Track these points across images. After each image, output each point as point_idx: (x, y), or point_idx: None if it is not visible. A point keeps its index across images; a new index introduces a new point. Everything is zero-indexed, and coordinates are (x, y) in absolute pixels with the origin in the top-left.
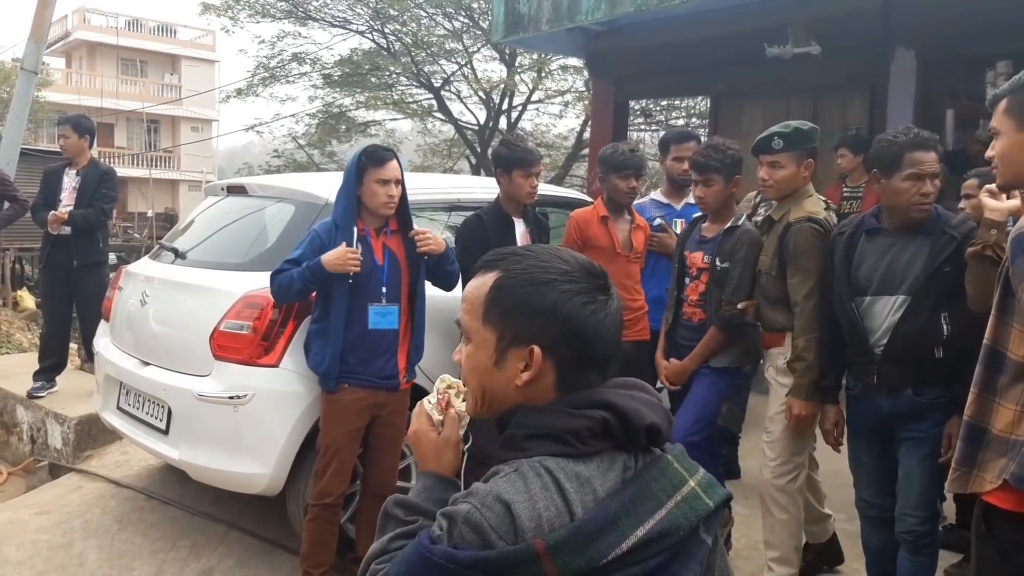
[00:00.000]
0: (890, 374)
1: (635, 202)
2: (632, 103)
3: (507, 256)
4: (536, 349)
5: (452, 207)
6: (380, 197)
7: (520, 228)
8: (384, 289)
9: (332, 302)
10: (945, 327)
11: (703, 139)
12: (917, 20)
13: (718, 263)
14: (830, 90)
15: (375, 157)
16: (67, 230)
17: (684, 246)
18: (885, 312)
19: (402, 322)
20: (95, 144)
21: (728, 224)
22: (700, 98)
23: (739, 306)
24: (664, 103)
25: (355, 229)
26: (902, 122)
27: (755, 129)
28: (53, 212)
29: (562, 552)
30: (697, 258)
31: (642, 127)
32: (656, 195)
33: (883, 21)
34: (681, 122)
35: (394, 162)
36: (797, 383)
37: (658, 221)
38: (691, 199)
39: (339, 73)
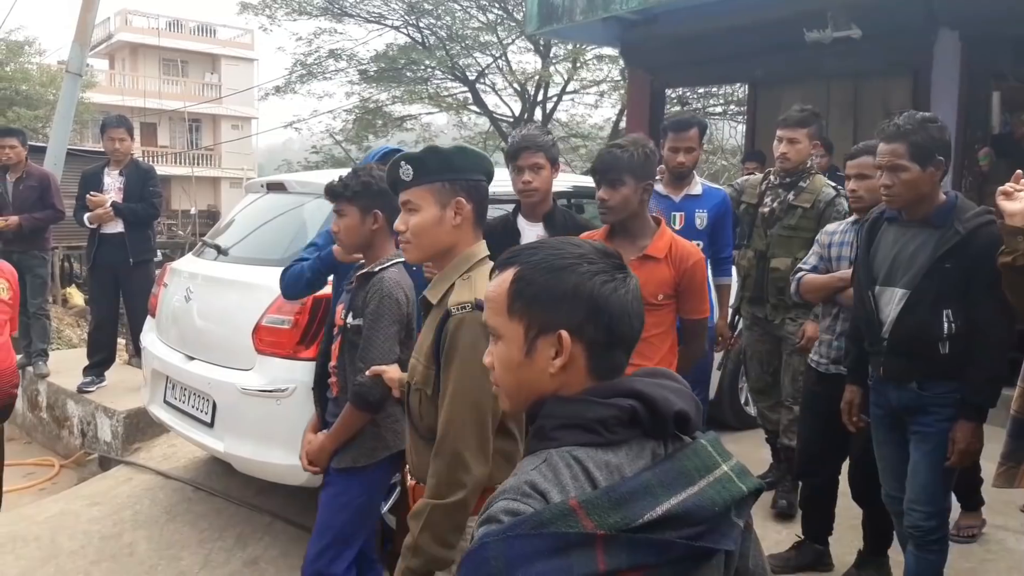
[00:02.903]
0: (895, 366)
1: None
2: (668, 91)
3: (521, 252)
4: (564, 333)
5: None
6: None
7: (532, 236)
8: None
9: None
10: (947, 324)
11: (701, 123)
12: (961, 1)
13: (349, 319)
14: (871, 75)
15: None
16: (119, 228)
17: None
18: (891, 304)
19: None
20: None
21: (366, 269)
22: (737, 85)
23: (367, 372)
24: (701, 91)
25: None
26: (947, 106)
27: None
28: (93, 194)
29: (596, 508)
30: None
31: None
32: (656, 186)
33: (925, 2)
34: (719, 110)
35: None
36: None
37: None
38: (693, 190)
39: (375, 68)
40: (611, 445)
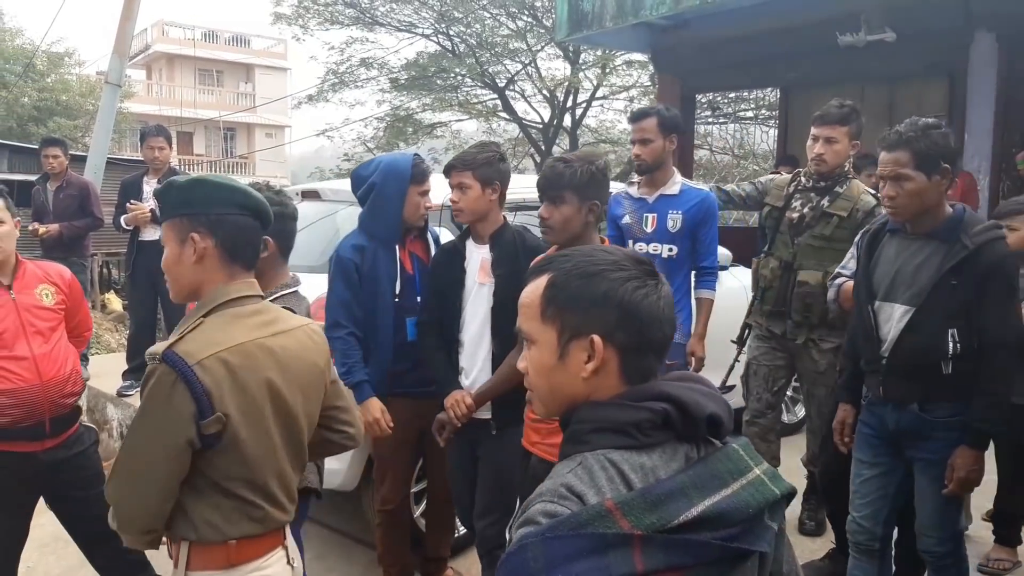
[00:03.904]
0: (895, 386)
1: (614, 193)
2: (699, 97)
3: (555, 259)
4: (596, 338)
5: (517, 207)
6: (420, 209)
7: (477, 259)
8: (419, 299)
9: (378, 324)
10: (952, 344)
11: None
12: (998, 1)
13: None
14: (907, 78)
15: (419, 176)
16: (157, 235)
17: None
18: (892, 320)
19: None
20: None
21: None
22: (769, 89)
23: None
24: (732, 96)
25: (390, 242)
26: (984, 110)
27: None
28: (133, 203)
29: (632, 509)
30: None
31: (709, 120)
32: (631, 187)
33: (962, 4)
34: (750, 114)
35: (429, 174)
36: None
37: (625, 219)
38: (669, 190)
39: (406, 76)
40: (645, 448)
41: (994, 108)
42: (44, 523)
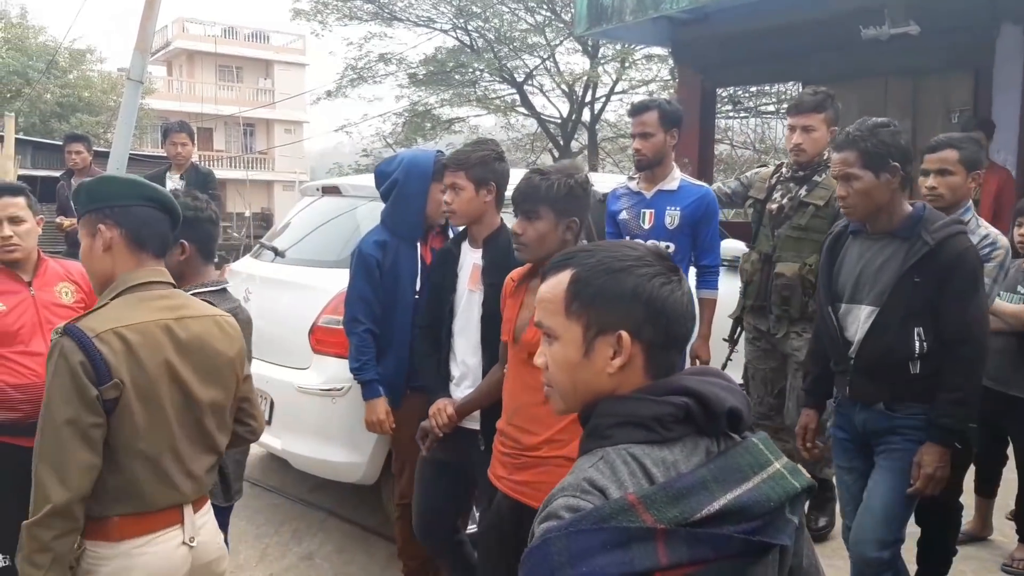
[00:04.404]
0: (862, 386)
1: (612, 188)
2: (720, 91)
3: (576, 254)
4: (624, 334)
5: None
6: (441, 206)
7: (470, 263)
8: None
9: (397, 321)
10: (919, 343)
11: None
12: None
13: None
14: (931, 72)
15: (440, 173)
16: None
17: None
18: (858, 322)
19: None
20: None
21: None
22: (791, 84)
23: None
24: (753, 90)
25: (412, 240)
26: (1010, 104)
27: (850, 115)
28: None
29: (655, 503)
30: None
31: (730, 115)
32: (631, 182)
33: None
34: (771, 109)
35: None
36: None
37: (623, 215)
38: (668, 185)
39: (424, 72)
40: (666, 442)
41: (1020, 102)
42: None
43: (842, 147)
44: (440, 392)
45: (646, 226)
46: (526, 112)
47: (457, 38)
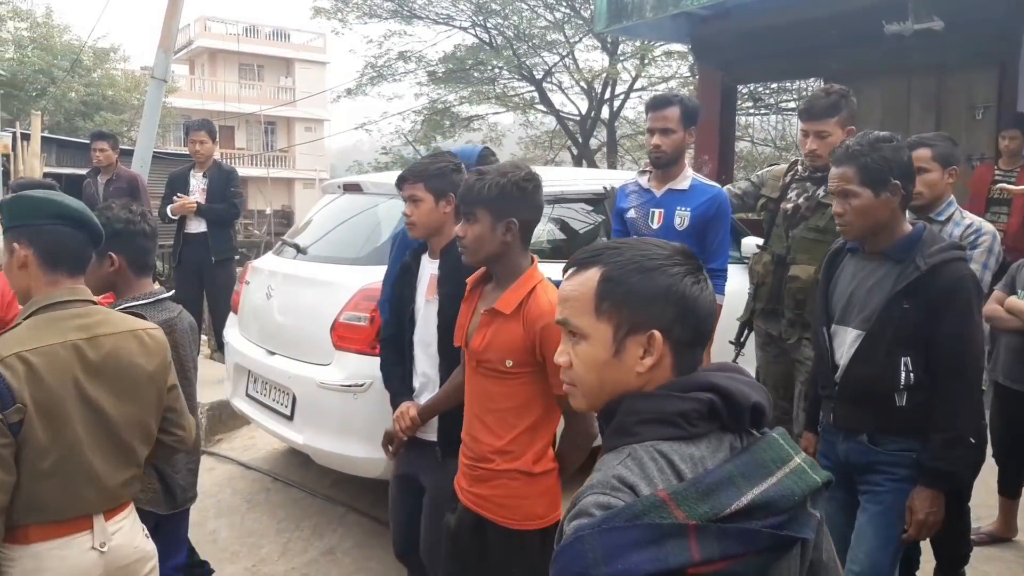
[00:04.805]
0: (845, 415)
1: (622, 184)
2: (740, 87)
3: (603, 251)
4: (657, 334)
5: (555, 200)
6: None
7: (427, 274)
8: None
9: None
10: (905, 375)
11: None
12: None
13: None
14: (954, 68)
15: (481, 163)
16: (202, 227)
17: None
18: (844, 345)
19: None
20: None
21: None
22: (812, 80)
23: None
24: (774, 86)
25: None
26: None
27: (873, 111)
28: (180, 196)
29: (685, 499)
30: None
31: (751, 112)
32: (641, 177)
33: None
34: (792, 105)
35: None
36: None
37: (631, 213)
38: (679, 184)
39: (443, 69)
40: (692, 438)
41: None
42: None
43: (840, 162)
44: (403, 397)
45: (655, 225)
46: (545, 109)
47: (476, 35)
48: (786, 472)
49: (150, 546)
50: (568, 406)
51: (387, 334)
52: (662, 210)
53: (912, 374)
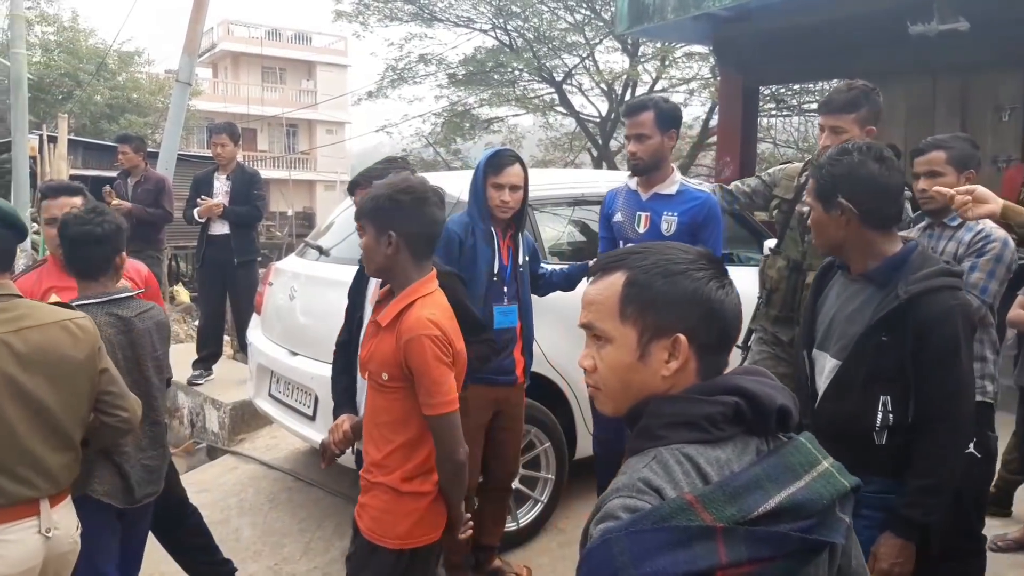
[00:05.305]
0: (825, 446)
1: (611, 188)
2: (762, 89)
3: (627, 255)
4: (682, 338)
5: (576, 202)
6: (494, 200)
7: (374, 283)
8: (506, 288)
9: (472, 293)
10: (882, 415)
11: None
12: None
13: None
14: (980, 69)
15: (493, 163)
16: (225, 229)
17: None
18: (823, 373)
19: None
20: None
21: None
22: (835, 81)
23: None
24: (796, 88)
25: (492, 229)
26: None
27: (897, 112)
28: (204, 198)
29: (713, 501)
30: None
31: (773, 113)
32: (631, 180)
33: None
34: (815, 107)
35: (513, 168)
36: None
37: (617, 217)
38: (666, 188)
39: (463, 72)
40: (718, 442)
41: None
42: None
43: (810, 175)
44: (344, 408)
45: (640, 230)
46: (565, 111)
47: (496, 38)
48: (814, 476)
49: (78, 538)
50: (435, 429)
51: (340, 340)
52: (648, 214)
53: (892, 414)
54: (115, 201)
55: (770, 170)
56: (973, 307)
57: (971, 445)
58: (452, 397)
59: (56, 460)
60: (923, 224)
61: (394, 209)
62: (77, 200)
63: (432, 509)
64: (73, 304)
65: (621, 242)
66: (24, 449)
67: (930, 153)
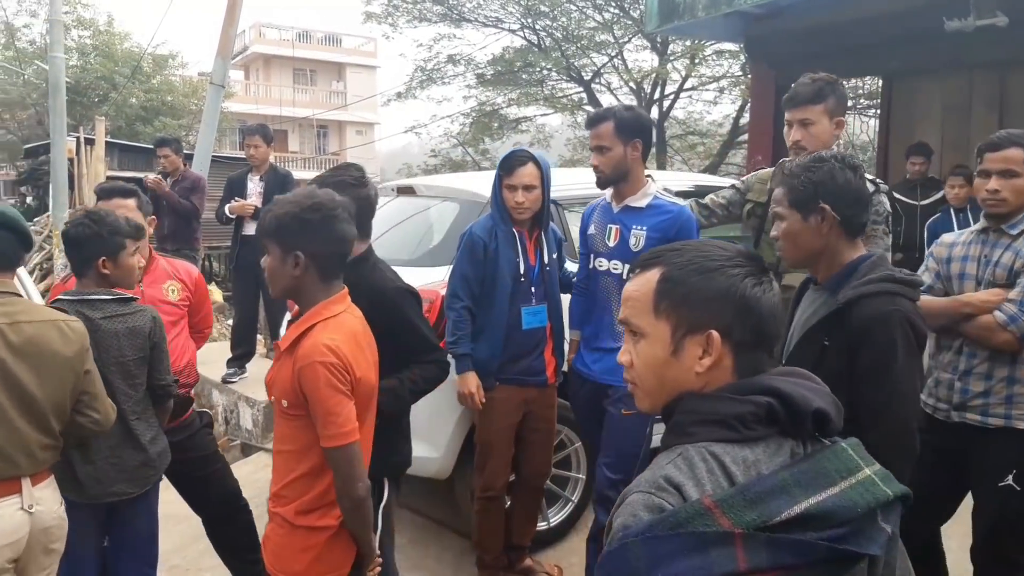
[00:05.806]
0: None
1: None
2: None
3: (664, 253)
4: (715, 334)
5: None
6: (509, 202)
7: None
8: (533, 289)
9: (495, 304)
10: None
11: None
12: None
13: None
14: (1018, 65)
15: (505, 164)
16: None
17: None
18: None
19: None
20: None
21: None
22: (869, 79)
23: None
24: None
25: (513, 231)
26: None
27: (932, 110)
28: (237, 199)
29: (732, 507)
30: None
31: None
32: (608, 192)
33: None
34: (849, 104)
35: (524, 168)
36: None
37: (591, 229)
38: (636, 201)
39: (492, 72)
40: (748, 441)
41: None
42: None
43: (777, 182)
44: None
45: (611, 243)
46: (593, 110)
47: (525, 37)
48: (851, 483)
49: (63, 514)
50: (332, 461)
51: None
52: (618, 227)
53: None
54: (152, 177)
55: (743, 178)
56: (917, 316)
57: (1009, 477)
58: (349, 428)
59: (38, 442)
60: (978, 226)
61: (301, 228)
62: (130, 202)
63: (332, 546)
64: (48, 301)
65: (592, 256)
66: (13, 428)
67: (1007, 150)
